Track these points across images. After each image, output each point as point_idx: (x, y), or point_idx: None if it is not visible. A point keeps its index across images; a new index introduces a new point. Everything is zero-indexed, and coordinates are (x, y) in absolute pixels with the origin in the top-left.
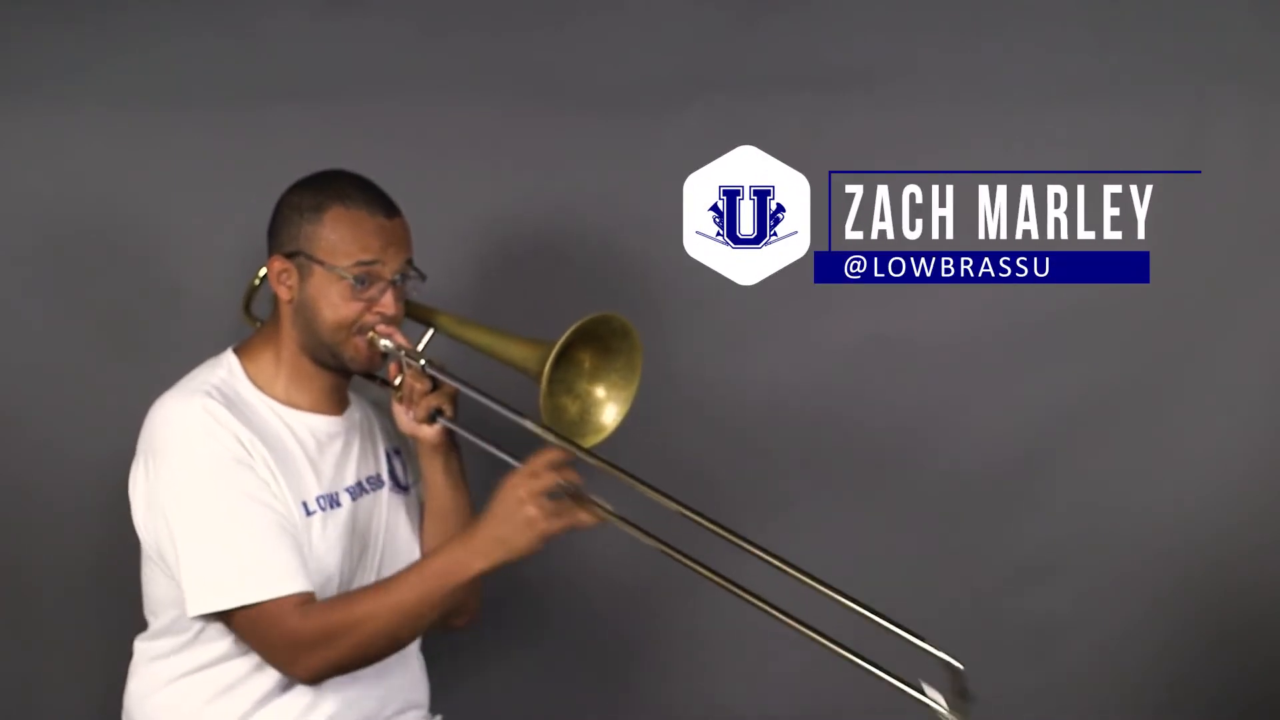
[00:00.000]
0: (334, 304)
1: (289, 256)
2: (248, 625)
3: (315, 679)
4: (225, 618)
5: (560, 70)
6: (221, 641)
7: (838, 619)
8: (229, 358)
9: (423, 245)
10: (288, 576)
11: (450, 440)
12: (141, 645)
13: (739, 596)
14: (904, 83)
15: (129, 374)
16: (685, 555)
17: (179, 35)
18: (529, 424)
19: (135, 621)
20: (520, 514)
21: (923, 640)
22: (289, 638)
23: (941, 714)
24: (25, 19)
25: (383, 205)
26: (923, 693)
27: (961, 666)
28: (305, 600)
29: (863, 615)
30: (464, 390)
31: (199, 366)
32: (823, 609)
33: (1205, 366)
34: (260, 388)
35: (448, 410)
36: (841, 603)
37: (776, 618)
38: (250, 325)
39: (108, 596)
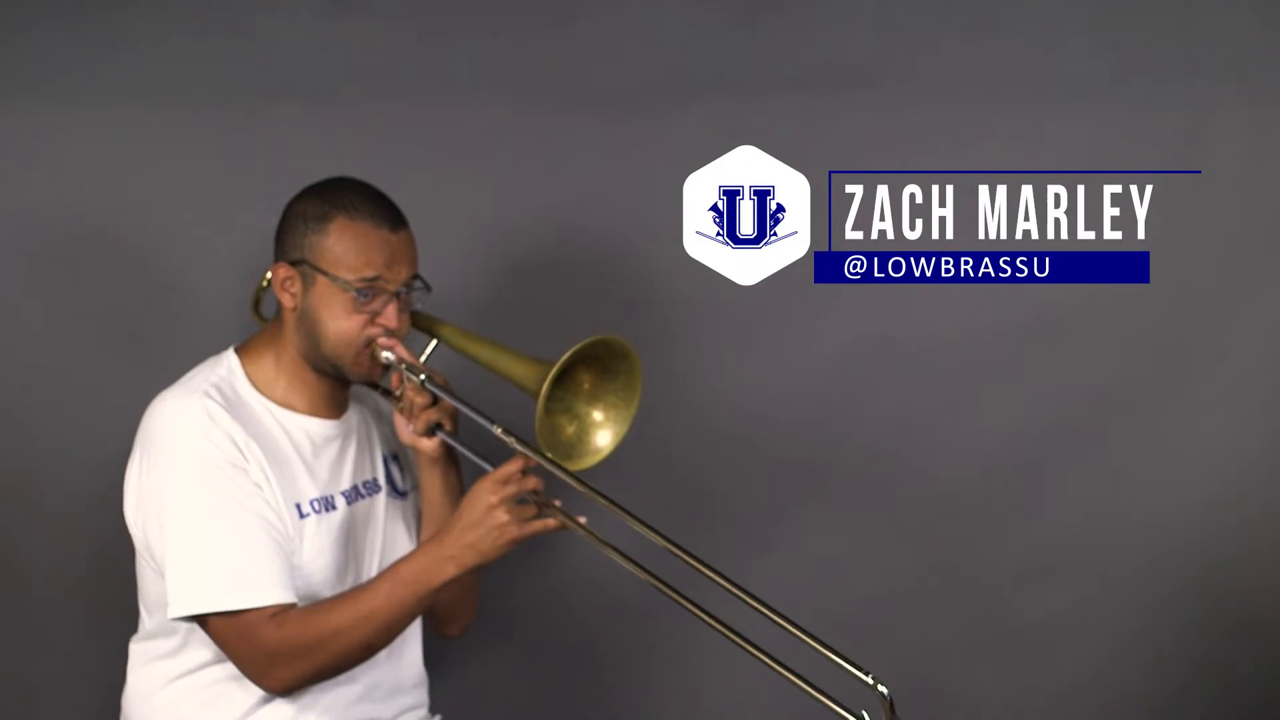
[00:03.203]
0: (336, 315)
1: (294, 264)
2: (222, 633)
3: (286, 690)
4: (202, 623)
5: (560, 70)
6: (214, 644)
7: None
8: (230, 357)
9: (422, 245)
10: (266, 587)
11: (449, 454)
12: (136, 647)
13: (694, 614)
14: (904, 83)
15: (129, 374)
16: (648, 571)
17: (179, 35)
18: (528, 451)
19: (135, 621)
20: (491, 519)
21: (862, 671)
22: (262, 649)
23: None
24: (25, 19)
25: (388, 218)
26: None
27: (886, 692)
28: (281, 611)
29: (808, 643)
30: (463, 410)
31: (199, 365)
32: (787, 642)
33: (1205, 366)
34: (259, 389)
35: (447, 425)
36: (797, 635)
37: (734, 640)
38: (259, 324)
39: (107, 596)
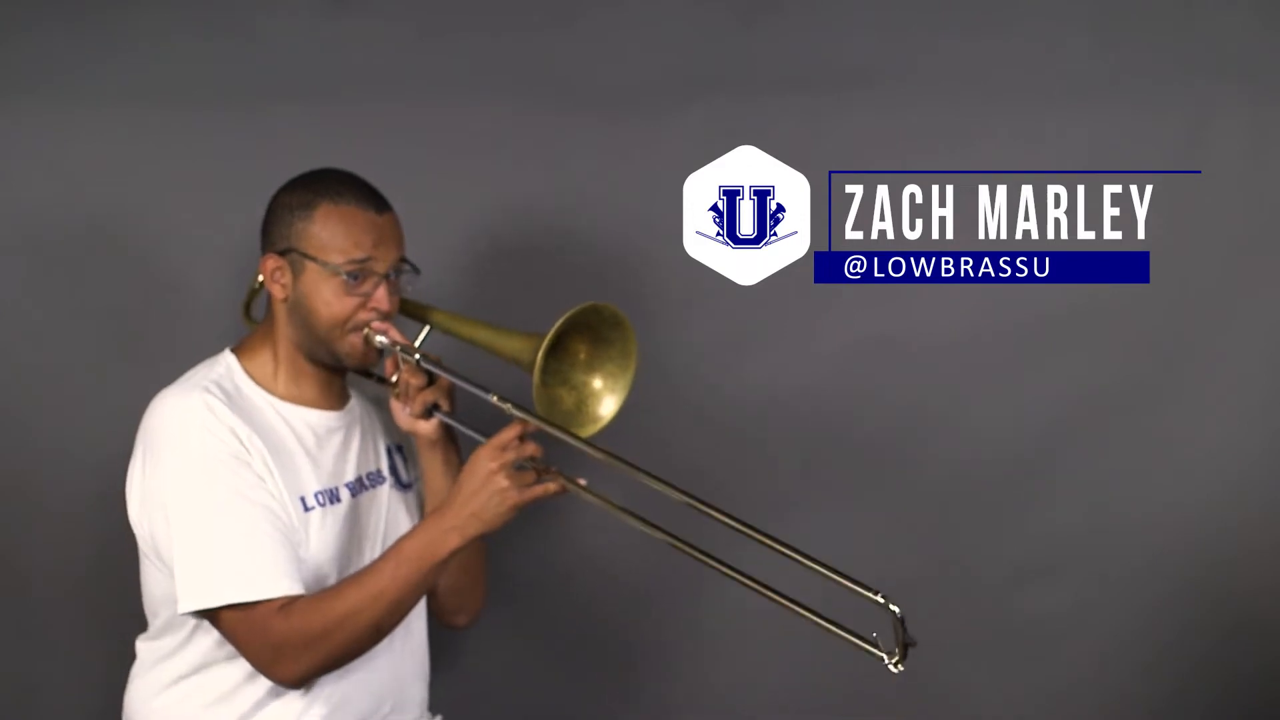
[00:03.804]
0: (327, 300)
1: (282, 254)
2: (230, 626)
3: (299, 682)
4: (211, 618)
5: (560, 70)
6: (219, 642)
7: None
8: (226, 356)
9: (423, 245)
10: (272, 579)
11: (448, 435)
12: (143, 646)
13: (702, 562)
14: (904, 83)
15: (129, 374)
16: (653, 524)
17: (179, 35)
18: (526, 415)
19: (135, 621)
20: (491, 486)
21: (871, 591)
22: (270, 641)
23: (884, 661)
24: (25, 19)
25: (373, 201)
26: (873, 644)
27: (899, 611)
28: (289, 603)
29: (804, 564)
30: (459, 384)
31: (197, 365)
32: (794, 581)
33: (1205, 366)
34: (259, 383)
35: (444, 405)
36: (794, 558)
37: (740, 581)
38: (250, 328)
39: (108, 596)
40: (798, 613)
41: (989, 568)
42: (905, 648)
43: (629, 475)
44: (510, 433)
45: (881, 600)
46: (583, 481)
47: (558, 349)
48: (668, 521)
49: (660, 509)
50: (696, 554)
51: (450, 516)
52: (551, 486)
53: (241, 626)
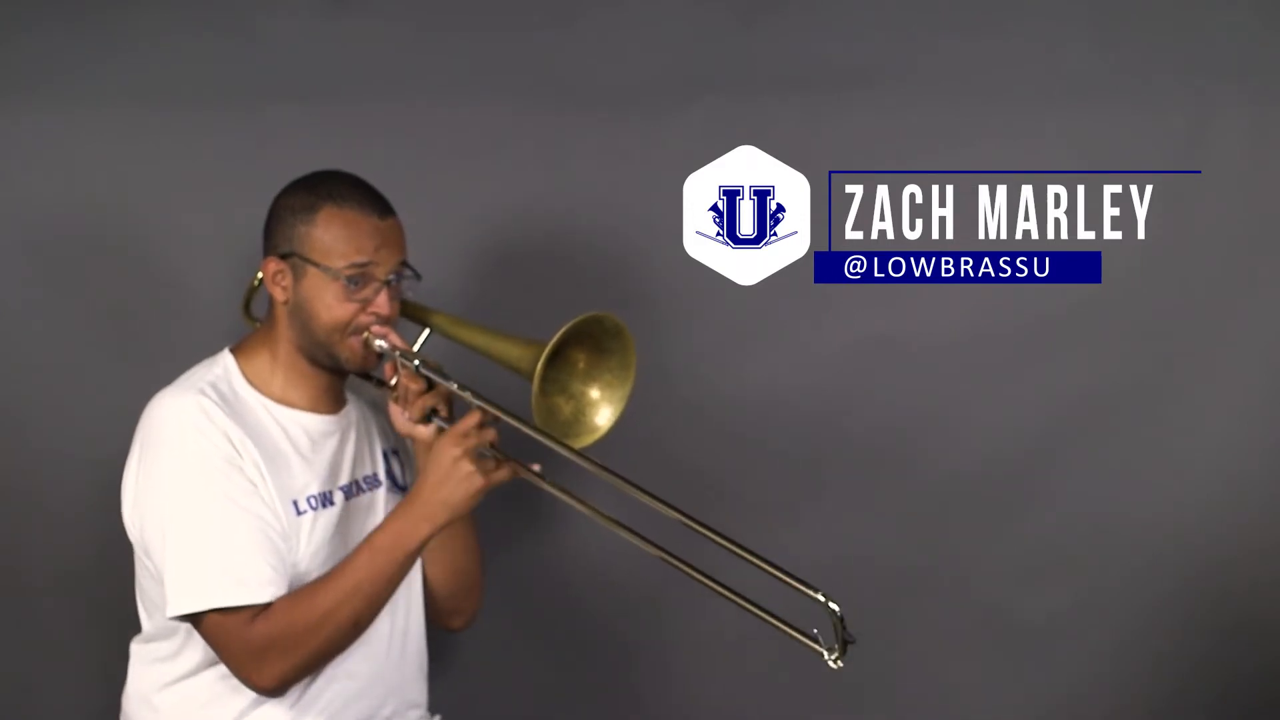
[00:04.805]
0: (328, 305)
1: (283, 257)
2: (213, 631)
3: (279, 685)
4: (195, 622)
5: (560, 70)
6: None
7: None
8: (225, 357)
9: (422, 245)
10: (258, 585)
11: None
12: (137, 648)
13: (668, 561)
14: (904, 83)
15: (129, 374)
16: (610, 518)
17: (179, 35)
18: (525, 427)
19: (134, 621)
20: (458, 472)
21: (812, 589)
22: (254, 645)
23: (823, 655)
24: (25, 19)
25: (376, 205)
26: (814, 639)
27: (838, 609)
28: (267, 607)
29: (753, 563)
30: (458, 394)
31: (196, 365)
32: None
33: (1205, 366)
34: (256, 386)
35: (443, 410)
36: (736, 552)
37: (701, 580)
38: (250, 326)
39: (107, 596)
40: (747, 609)
41: (988, 567)
42: (845, 644)
43: (644, 501)
44: (471, 420)
45: (822, 599)
46: (536, 467)
47: (557, 358)
48: (654, 527)
49: (647, 510)
50: (662, 554)
51: (419, 505)
52: (509, 473)
53: (223, 632)
